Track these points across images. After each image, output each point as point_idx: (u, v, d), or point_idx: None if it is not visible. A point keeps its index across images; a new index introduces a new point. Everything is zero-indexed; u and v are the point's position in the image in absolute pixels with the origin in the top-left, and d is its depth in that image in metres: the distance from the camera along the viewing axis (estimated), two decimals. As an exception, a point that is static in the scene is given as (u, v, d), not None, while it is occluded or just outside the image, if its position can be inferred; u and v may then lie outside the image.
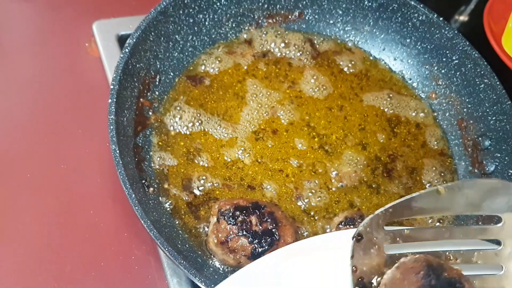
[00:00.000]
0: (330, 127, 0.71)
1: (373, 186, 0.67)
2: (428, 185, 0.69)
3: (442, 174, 0.70)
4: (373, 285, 0.44)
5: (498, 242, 0.46)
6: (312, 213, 0.63)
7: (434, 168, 0.70)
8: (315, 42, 0.79)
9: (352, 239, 0.44)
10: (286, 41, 0.77)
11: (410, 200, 0.43)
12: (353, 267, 0.44)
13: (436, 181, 0.69)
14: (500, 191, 0.44)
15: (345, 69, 0.77)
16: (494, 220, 0.47)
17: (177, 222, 0.60)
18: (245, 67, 0.74)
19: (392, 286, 0.42)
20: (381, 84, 0.77)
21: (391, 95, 0.76)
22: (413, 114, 0.75)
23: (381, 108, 0.74)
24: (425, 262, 0.42)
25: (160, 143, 0.65)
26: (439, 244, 0.45)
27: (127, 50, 0.62)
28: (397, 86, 0.78)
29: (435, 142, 0.73)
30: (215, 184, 0.63)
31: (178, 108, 0.68)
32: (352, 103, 0.74)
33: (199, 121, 0.68)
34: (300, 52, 0.77)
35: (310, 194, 0.64)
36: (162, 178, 0.63)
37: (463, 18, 0.99)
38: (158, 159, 0.64)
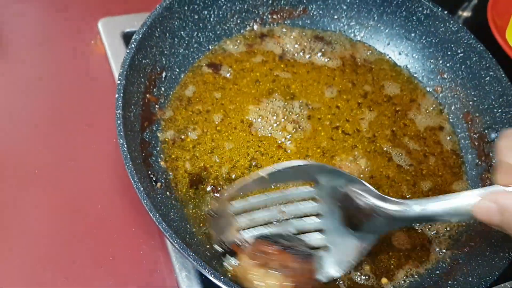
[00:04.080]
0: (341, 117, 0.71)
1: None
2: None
3: (450, 167, 0.70)
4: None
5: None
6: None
7: (441, 161, 0.70)
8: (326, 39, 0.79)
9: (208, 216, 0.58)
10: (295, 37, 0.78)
11: (246, 185, 0.55)
12: (213, 235, 0.58)
13: (440, 173, 0.70)
14: (306, 169, 0.55)
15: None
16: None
17: (185, 216, 0.60)
18: (255, 62, 0.74)
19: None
20: (386, 78, 0.77)
21: (396, 90, 0.76)
22: (420, 108, 0.75)
23: (386, 103, 0.75)
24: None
25: (167, 138, 0.65)
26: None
27: (133, 46, 0.62)
28: (402, 80, 0.78)
29: (442, 136, 0.73)
30: (223, 180, 0.63)
31: (186, 103, 0.68)
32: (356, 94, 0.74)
33: (208, 116, 0.68)
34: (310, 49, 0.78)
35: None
36: (169, 172, 0.63)
37: (466, 13, 0.99)
38: (165, 154, 0.64)
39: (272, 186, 0.60)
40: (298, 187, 0.57)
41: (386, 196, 0.54)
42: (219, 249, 0.57)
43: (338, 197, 0.57)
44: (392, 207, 0.53)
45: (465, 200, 0.48)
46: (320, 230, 0.58)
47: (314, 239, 0.58)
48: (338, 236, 0.57)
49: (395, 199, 0.54)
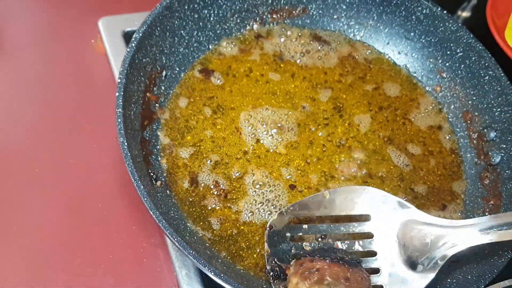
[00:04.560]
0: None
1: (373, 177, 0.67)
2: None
3: (449, 166, 0.70)
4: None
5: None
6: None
7: (440, 160, 0.71)
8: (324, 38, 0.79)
9: (266, 229, 0.57)
10: (292, 36, 0.78)
11: (305, 201, 0.57)
12: (267, 250, 0.56)
13: (440, 172, 0.70)
14: (366, 194, 0.57)
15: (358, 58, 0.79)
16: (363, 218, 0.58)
17: (185, 215, 0.60)
18: (253, 62, 0.74)
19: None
20: (386, 77, 0.77)
21: (395, 89, 0.76)
22: (419, 108, 0.75)
23: (386, 102, 0.75)
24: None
25: (167, 137, 0.65)
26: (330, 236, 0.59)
27: (133, 44, 0.62)
28: (401, 79, 0.78)
29: (441, 135, 0.73)
30: (223, 179, 0.64)
31: (186, 102, 0.69)
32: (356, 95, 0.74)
33: (208, 115, 0.68)
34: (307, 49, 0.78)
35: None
36: (169, 171, 0.63)
37: (465, 14, 1.00)
38: (165, 152, 0.64)
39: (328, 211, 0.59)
40: (356, 223, 0.58)
41: (444, 219, 0.55)
42: (271, 271, 0.55)
43: (394, 228, 0.56)
44: (452, 229, 0.53)
45: None
46: (375, 271, 0.57)
47: None
48: (394, 276, 0.55)
49: (455, 221, 0.54)
